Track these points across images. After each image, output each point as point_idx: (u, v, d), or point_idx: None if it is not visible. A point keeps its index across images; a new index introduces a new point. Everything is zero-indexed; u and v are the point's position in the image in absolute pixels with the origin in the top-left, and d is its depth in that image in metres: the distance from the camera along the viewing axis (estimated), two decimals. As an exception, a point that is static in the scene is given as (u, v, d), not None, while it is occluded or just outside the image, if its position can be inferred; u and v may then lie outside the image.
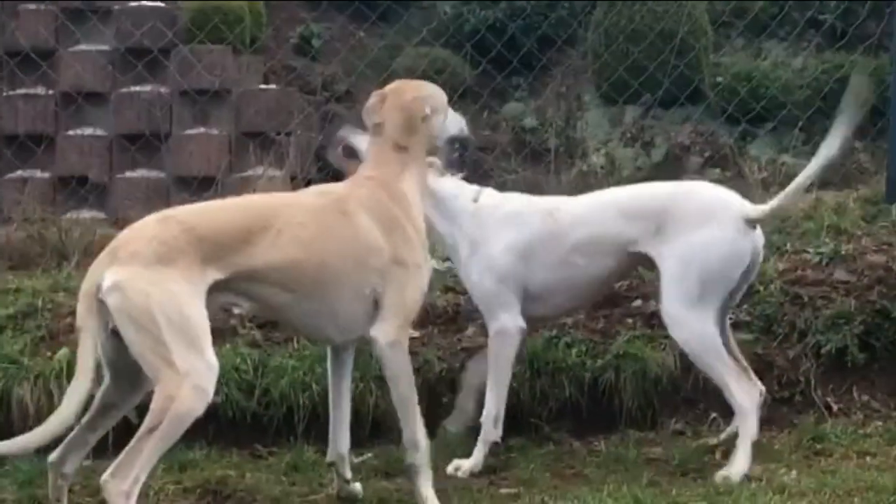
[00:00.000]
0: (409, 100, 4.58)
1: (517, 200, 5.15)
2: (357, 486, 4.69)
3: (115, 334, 4.10)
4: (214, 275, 4.18)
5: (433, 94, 4.67)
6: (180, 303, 4.06)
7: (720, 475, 4.68)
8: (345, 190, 4.53)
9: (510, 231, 5.00)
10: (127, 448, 4.02)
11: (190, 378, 4.01)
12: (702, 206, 4.89)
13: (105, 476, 4.00)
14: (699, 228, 4.81)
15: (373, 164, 4.58)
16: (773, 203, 4.89)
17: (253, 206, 4.45)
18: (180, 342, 4.02)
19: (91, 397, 4.17)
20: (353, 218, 4.39)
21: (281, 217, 4.32)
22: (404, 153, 4.54)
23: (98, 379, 4.19)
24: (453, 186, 5.10)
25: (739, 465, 4.68)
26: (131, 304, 4.03)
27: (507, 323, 4.95)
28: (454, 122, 4.73)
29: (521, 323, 4.97)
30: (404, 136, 4.54)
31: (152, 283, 4.05)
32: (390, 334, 4.39)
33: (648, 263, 5.00)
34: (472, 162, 4.86)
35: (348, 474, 4.65)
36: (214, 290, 4.20)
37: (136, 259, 4.08)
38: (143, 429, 4.02)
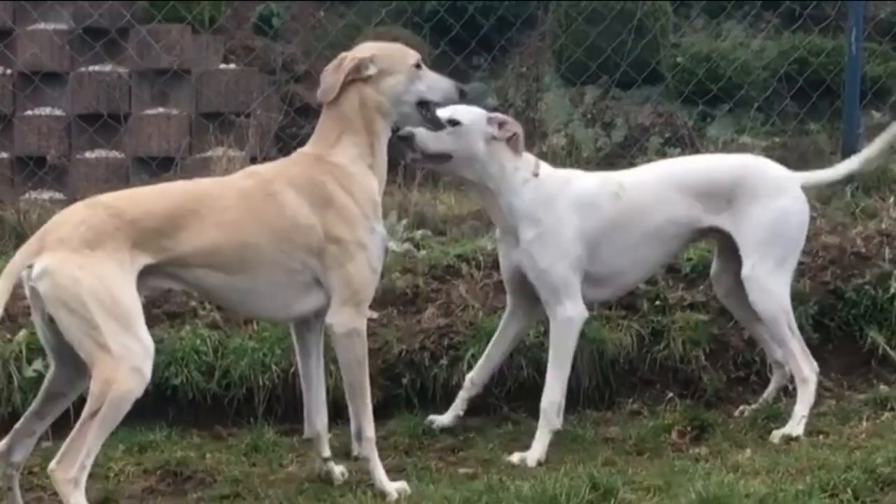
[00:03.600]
0: (343, 59, 4.51)
1: (582, 180, 5.11)
2: (336, 466, 4.68)
3: (52, 321, 4.10)
4: (144, 259, 4.19)
5: (382, 54, 4.54)
6: (110, 285, 4.07)
7: (777, 434, 4.90)
8: (273, 169, 4.51)
9: (580, 216, 4.98)
10: (70, 435, 4.04)
11: (125, 360, 4.03)
12: (772, 177, 5.13)
13: (52, 465, 4.01)
14: (775, 198, 5.05)
15: (313, 138, 4.54)
16: (828, 172, 5.34)
17: (180, 191, 4.44)
18: (113, 324, 4.03)
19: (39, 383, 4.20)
20: (279, 197, 4.36)
21: (206, 201, 4.32)
22: (340, 121, 4.46)
23: None
24: (513, 157, 4.98)
25: (798, 428, 4.92)
26: (61, 289, 4.04)
27: (572, 312, 4.94)
28: (430, 87, 4.54)
29: (585, 311, 4.97)
30: (328, 96, 4.46)
31: (81, 267, 4.05)
32: (345, 323, 4.39)
33: (713, 235, 5.20)
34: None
35: (326, 452, 4.66)
36: (145, 274, 4.20)
37: (63, 244, 4.08)
38: (84, 415, 4.03)
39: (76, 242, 4.08)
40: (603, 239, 5.01)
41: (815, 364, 5.08)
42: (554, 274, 4.93)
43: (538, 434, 4.90)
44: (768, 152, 9.04)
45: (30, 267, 4.09)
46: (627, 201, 5.05)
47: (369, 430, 4.47)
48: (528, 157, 5.04)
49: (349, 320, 4.39)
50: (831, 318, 5.63)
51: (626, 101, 10.07)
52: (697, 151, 8.86)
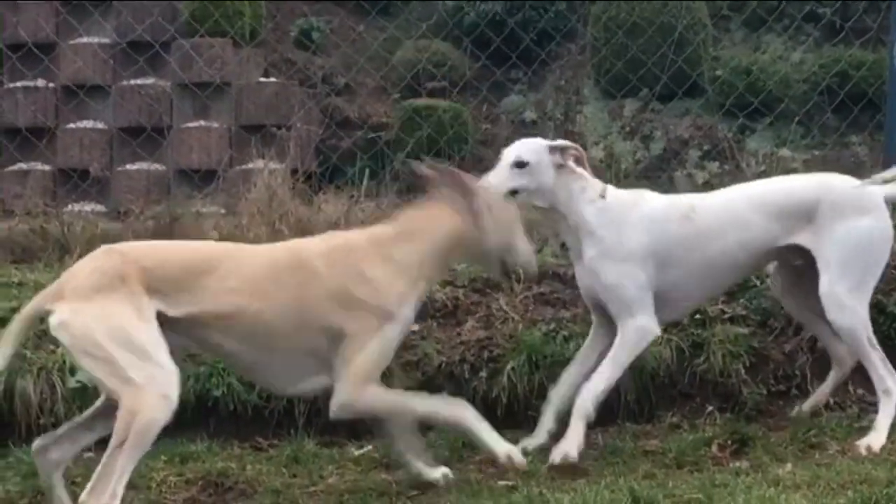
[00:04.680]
0: (470, 190, 4.57)
1: (651, 201, 5.10)
2: (436, 471, 4.67)
3: None
4: (159, 305, 4.25)
5: (499, 207, 4.63)
6: (123, 323, 4.16)
7: (862, 443, 4.91)
8: (310, 243, 4.57)
9: (649, 236, 4.98)
10: (100, 465, 4.10)
11: (150, 388, 4.10)
12: (857, 196, 5.08)
13: (83, 497, 4.07)
14: (859, 217, 5.02)
15: (388, 224, 4.62)
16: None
17: (201, 249, 4.55)
18: (132, 358, 4.12)
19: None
20: (306, 272, 4.39)
21: (228, 263, 4.38)
22: (423, 235, 4.53)
23: None
24: (580, 178, 5.02)
25: (880, 438, 4.94)
26: (77, 338, 4.16)
27: (648, 324, 4.94)
28: (520, 252, 4.65)
29: (657, 328, 4.98)
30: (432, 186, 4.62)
31: (93, 313, 4.16)
32: (342, 395, 4.40)
33: (788, 253, 5.14)
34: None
35: (414, 470, 4.69)
36: (168, 329, 4.26)
37: (76, 294, 4.20)
38: (111, 445, 4.10)
39: (89, 290, 4.20)
40: (672, 261, 5.00)
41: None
42: (623, 288, 4.94)
43: (572, 424, 4.89)
44: (808, 166, 9.03)
45: (52, 313, 4.22)
46: (699, 223, 5.04)
47: (455, 414, 4.55)
48: (595, 181, 5.06)
49: (347, 394, 4.39)
50: (873, 331, 5.59)
51: (666, 113, 10.06)
52: (737, 165, 8.85)
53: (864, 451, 4.88)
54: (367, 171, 7.67)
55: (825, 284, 5.01)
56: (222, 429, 5.35)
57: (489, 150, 9.74)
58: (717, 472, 4.74)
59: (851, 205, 5.05)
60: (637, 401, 5.47)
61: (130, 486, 4.62)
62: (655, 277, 4.98)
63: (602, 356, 5.06)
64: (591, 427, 5.31)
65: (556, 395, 5.15)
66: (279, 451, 5.19)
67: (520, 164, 4.95)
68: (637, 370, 5.43)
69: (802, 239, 5.05)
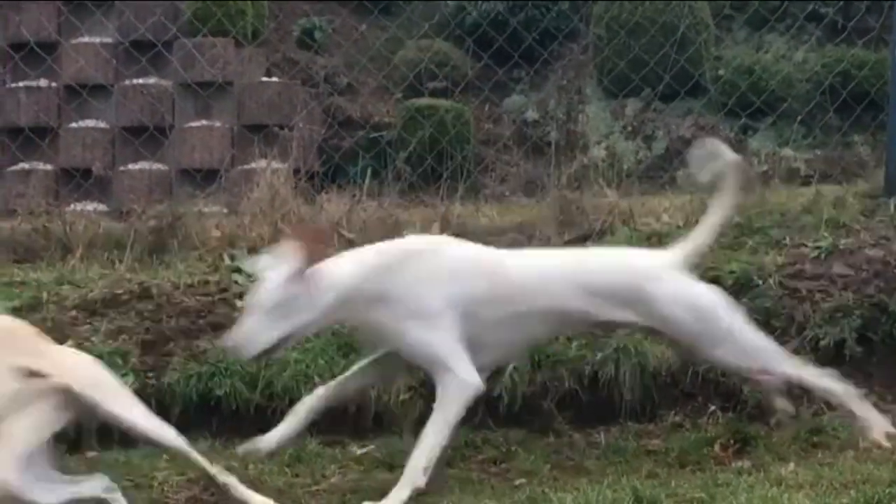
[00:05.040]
0: None
1: (455, 249, 4.73)
2: None
3: None
4: None
5: None
6: None
7: (877, 437, 4.78)
8: None
9: (452, 287, 4.57)
10: None
11: None
12: (673, 266, 4.80)
13: None
14: (686, 289, 4.74)
15: None
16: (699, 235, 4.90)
17: None
18: None
19: None
20: None
21: None
22: None
23: None
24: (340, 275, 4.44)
25: (880, 424, 4.82)
26: None
27: (469, 377, 4.53)
28: None
29: (479, 380, 4.57)
30: None
31: None
32: None
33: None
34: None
35: None
36: None
37: None
38: None
39: None
40: (479, 311, 4.59)
41: (838, 381, 4.87)
42: (430, 346, 4.55)
43: (399, 486, 4.47)
44: (810, 165, 9.03)
45: None
46: (511, 280, 4.67)
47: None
48: (348, 263, 4.51)
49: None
50: (875, 331, 5.59)
51: (668, 113, 10.07)
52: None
53: (884, 443, 4.77)
54: (369, 170, 7.67)
55: (720, 363, 4.88)
56: (225, 428, 5.34)
57: (491, 150, 9.75)
58: (720, 472, 4.73)
59: (669, 281, 4.73)
60: (639, 400, 5.46)
61: (133, 485, 4.66)
62: (464, 327, 4.57)
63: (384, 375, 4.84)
64: (593, 426, 5.33)
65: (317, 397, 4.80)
66: (282, 451, 5.17)
67: (278, 307, 4.36)
68: (639, 369, 5.43)
69: (639, 318, 4.75)
